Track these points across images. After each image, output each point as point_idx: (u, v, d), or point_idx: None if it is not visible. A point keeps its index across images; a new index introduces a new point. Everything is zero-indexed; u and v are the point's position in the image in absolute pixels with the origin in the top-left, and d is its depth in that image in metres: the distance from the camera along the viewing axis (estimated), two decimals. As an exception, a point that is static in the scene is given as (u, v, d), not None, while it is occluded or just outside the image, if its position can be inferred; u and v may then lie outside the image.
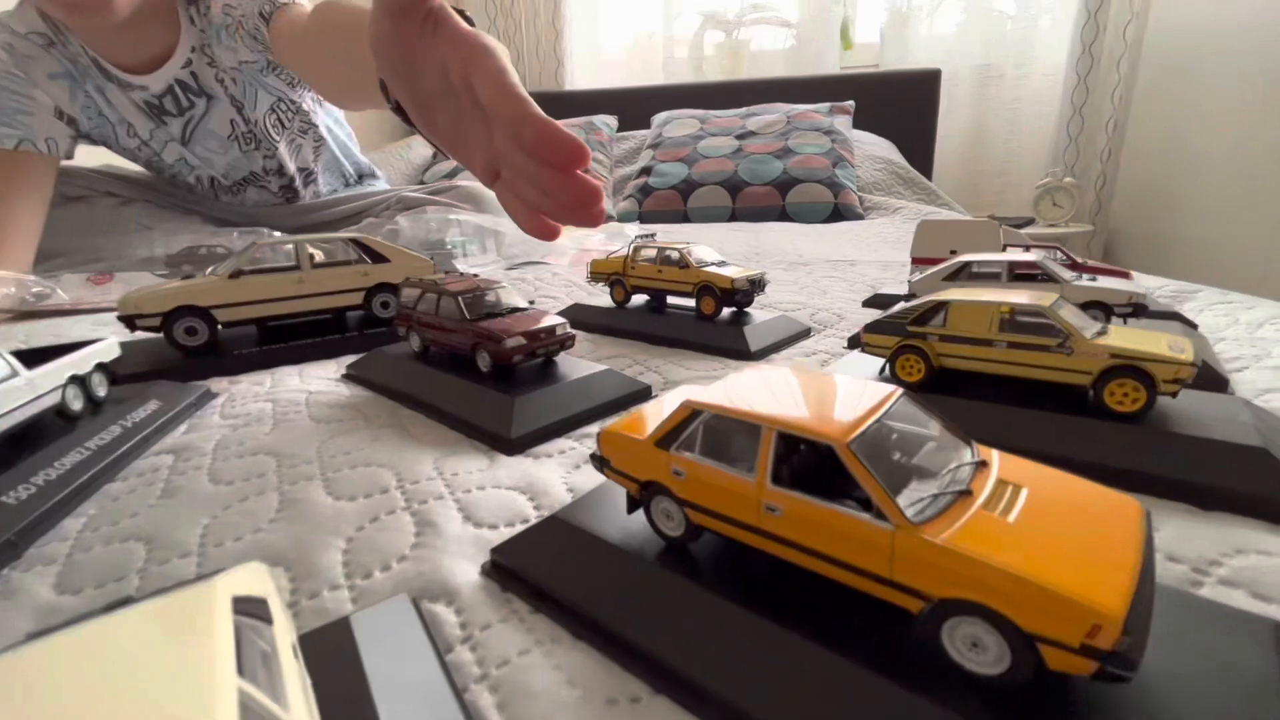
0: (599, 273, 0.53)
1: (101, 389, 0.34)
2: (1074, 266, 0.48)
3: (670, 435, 0.17)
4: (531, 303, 0.39)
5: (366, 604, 0.19)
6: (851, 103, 1.74)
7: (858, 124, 1.89)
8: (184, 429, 0.34)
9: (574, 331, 0.36)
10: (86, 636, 0.10)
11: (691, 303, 0.48)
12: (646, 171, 1.63)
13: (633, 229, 1.06)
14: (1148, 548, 0.13)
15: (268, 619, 0.12)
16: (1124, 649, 0.11)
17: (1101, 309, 0.37)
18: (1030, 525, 0.13)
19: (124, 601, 0.12)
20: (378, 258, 0.53)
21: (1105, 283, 0.38)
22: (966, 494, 0.14)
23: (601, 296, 0.56)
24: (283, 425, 0.33)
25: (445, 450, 0.29)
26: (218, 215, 1.00)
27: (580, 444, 0.30)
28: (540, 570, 0.19)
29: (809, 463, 0.15)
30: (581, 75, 2.46)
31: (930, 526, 0.13)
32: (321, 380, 0.42)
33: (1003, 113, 2.08)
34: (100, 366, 0.34)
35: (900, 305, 0.31)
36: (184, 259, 0.89)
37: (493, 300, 0.37)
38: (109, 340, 0.35)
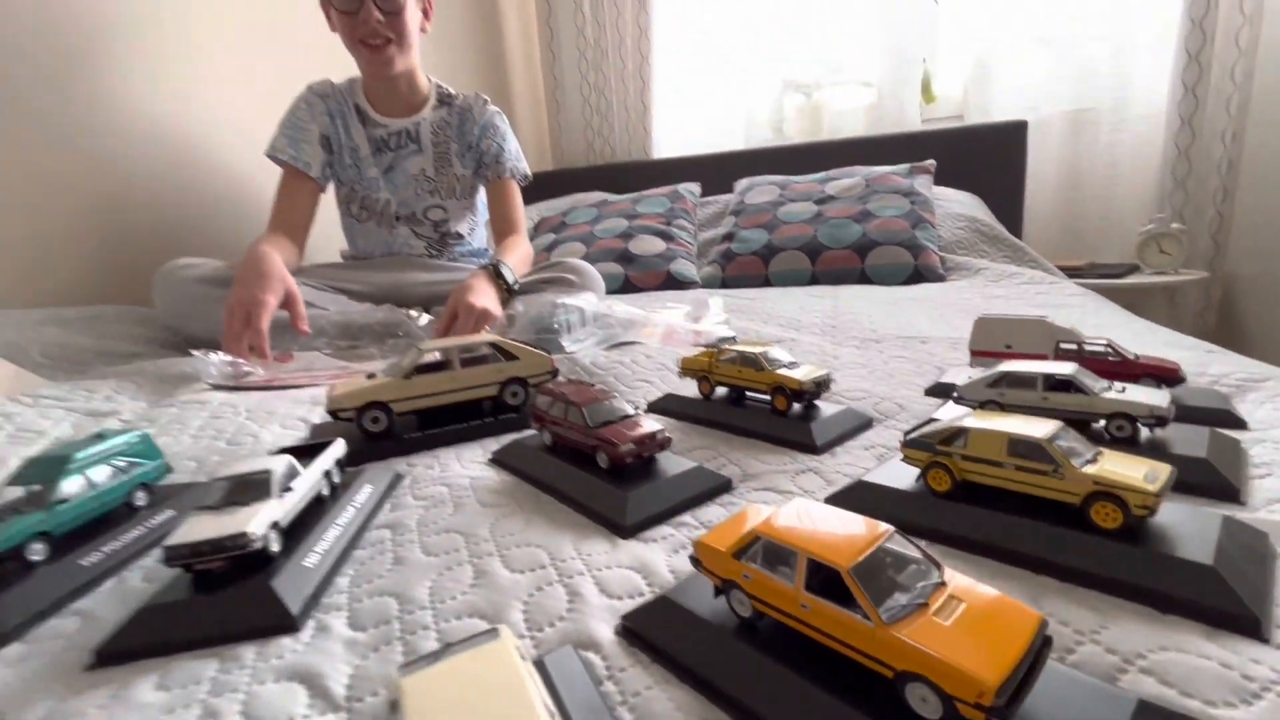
0: (688, 369, 0.63)
1: (337, 478, 0.47)
2: (1122, 365, 0.53)
3: (741, 550, 0.27)
4: (636, 408, 0.50)
5: (544, 650, 0.30)
6: (932, 162, 1.77)
7: (941, 179, 1.91)
8: (389, 508, 0.47)
9: (670, 436, 0.46)
10: (449, 669, 0.20)
11: (767, 397, 0.57)
12: (729, 238, 1.73)
13: (716, 303, 1.16)
14: (1035, 643, 0.21)
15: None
16: (998, 705, 0.19)
17: (1127, 420, 0.43)
18: (960, 627, 0.21)
19: (446, 648, 0.23)
20: (510, 356, 0.67)
21: (1132, 395, 0.43)
22: (924, 605, 0.22)
23: (690, 387, 0.66)
24: (460, 509, 0.45)
25: (578, 533, 0.40)
26: (356, 290, 1.26)
27: (677, 531, 0.40)
28: (655, 633, 0.29)
29: (828, 576, 0.24)
30: (667, 144, 2.63)
31: (897, 625, 0.21)
32: (475, 465, 0.54)
33: (1099, 158, 2.02)
34: (336, 461, 0.48)
35: (932, 426, 0.39)
36: (339, 334, 1.13)
37: (609, 409, 0.48)
38: (340, 441, 0.49)
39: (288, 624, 0.33)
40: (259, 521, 0.36)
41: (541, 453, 0.51)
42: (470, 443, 0.61)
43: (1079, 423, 0.45)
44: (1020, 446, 0.34)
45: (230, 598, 0.34)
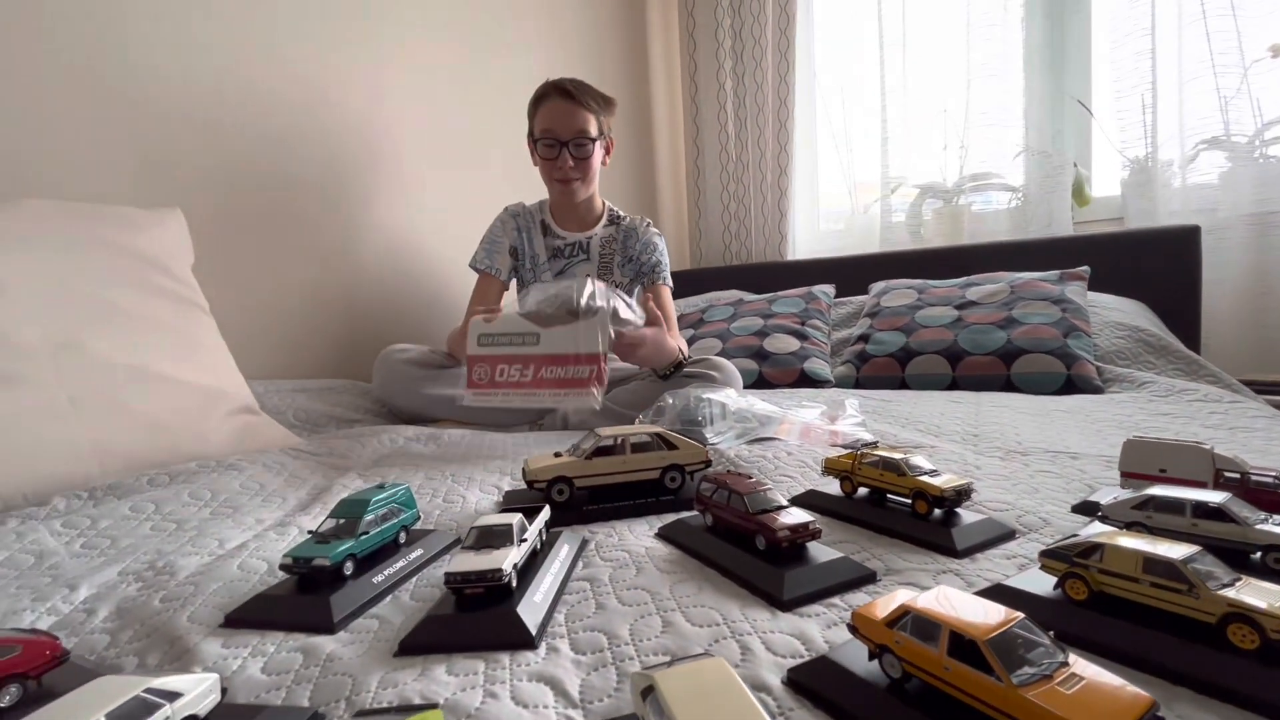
0: (831, 469, 0.70)
1: (544, 536, 0.60)
2: (1291, 498, 0.53)
3: (895, 620, 0.34)
4: (790, 500, 0.58)
5: (725, 687, 0.38)
6: (1086, 269, 1.72)
7: (1099, 285, 1.84)
8: (582, 565, 0.58)
9: (821, 528, 0.54)
10: (686, 670, 0.30)
11: (907, 500, 0.62)
12: (864, 339, 1.77)
13: (852, 403, 1.21)
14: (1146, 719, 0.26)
15: (728, 676, 0.31)
16: (1110, 759, 0.24)
17: (1284, 552, 0.44)
18: (1078, 696, 0.27)
19: (672, 660, 0.32)
20: (671, 446, 0.78)
21: (1290, 529, 0.44)
22: (1049, 677, 0.28)
23: (831, 485, 0.73)
24: (642, 572, 0.55)
25: (742, 602, 0.48)
26: None
27: (827, 610, 0.47)
28: (818, 684, 0.36)
29: (967, 645, 0.31)
30: (803, 246, 2.74)
31: (1026, 689, 0.28)
32: (645, 537, 0.64)
33: (1293, 264, 1.84)
34: (545, 523, 0.60)
35: (1070, 539, 0.43)
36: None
37: (766, 498, 0.57)
38: (547, 508, 0.62)
39: (528, 641, 0.44)
40: (508, 561, 0.48)
41: (703, 532, 0.60)
42: (636, 518, 0.72)
43: (1236, 553, 0.46)
44: (1156, 566, 0.38)
45: (486, 617, 0.46)
